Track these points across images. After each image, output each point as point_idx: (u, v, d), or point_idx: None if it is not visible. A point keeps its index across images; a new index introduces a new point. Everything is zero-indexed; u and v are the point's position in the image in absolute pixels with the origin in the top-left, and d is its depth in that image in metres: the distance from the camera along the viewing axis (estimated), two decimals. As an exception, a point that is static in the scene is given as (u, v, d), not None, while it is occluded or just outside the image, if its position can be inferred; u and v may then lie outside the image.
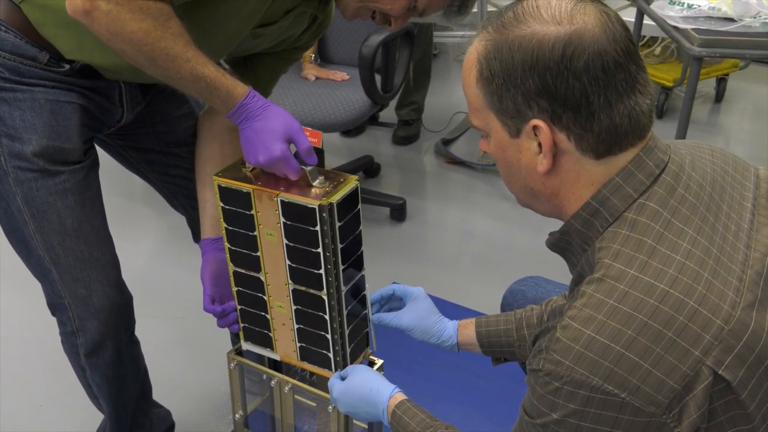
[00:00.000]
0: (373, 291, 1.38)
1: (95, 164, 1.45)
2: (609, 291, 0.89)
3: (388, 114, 3.55)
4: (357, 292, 1.37)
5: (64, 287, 1.41)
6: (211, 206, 1.51)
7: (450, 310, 2.47)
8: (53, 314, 1.49)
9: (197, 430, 1.99)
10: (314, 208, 1.22)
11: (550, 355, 0.90)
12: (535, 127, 0.94)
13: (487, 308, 2.42)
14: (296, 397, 1.49)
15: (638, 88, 0.94)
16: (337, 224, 1.24)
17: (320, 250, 1.26)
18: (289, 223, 1.27)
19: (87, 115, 1.40)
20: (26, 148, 1.33)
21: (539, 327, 1.35)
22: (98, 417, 1.73)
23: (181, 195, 1.67)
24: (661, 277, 0.89)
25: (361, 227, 1.33)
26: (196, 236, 1.73)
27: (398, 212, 2.91)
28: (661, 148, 0.98)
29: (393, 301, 1.48)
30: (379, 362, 1.47)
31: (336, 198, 1.23)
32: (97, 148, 1.51)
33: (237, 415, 1.59)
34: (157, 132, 1.59)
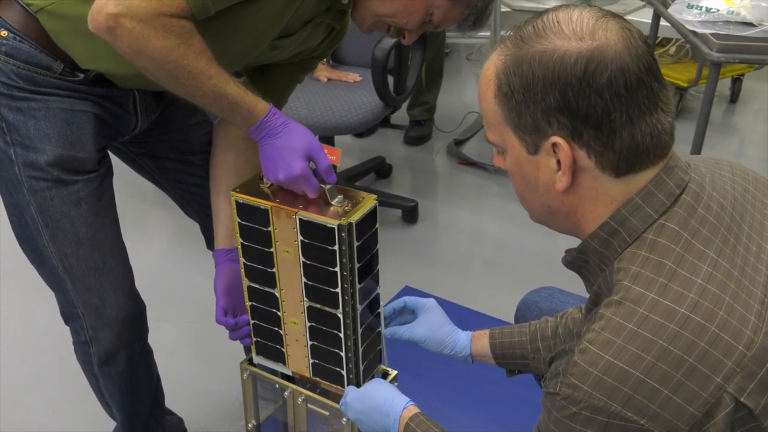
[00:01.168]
0: (384, 295, 1.37)
1: (109, 173, 1.45)
2: (628, 315, 0.88)
3: (400, 114, 3.52)
4: (372, 309, 1.36)
5: (78, 297, 1.41)
6: (225, 216, 1.50)
7: (461, 314, 2.47)
8: (66, 323, 1.49)
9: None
10: (333, 228, 1.21)
11: (567, 379, 0.89)
12: (554, 144, 0.93)
13: (498, 312, 2.43)
14: (309, 405, 1.48)
15: (660, 105, 0.92)
16: (356, 244, 1.24)
17: (337, 269, 1.25)
18: (306, 241, 1.26)
19: (101, 124, 1.39)
20: (40, 157, 1.32)
21: (553, 340, 1.34)
22: (110, 422, 1.73)
23: (195, 203, 1.67)
24: (681, 301, 0.88)
25: (378, 246, 1.32)
26: (210, 244, 1.73)
27: (410, 214, 2.90)
28: (681, 168, 0.96)
29: (405, 314, 1.48)
30: (393, 373, 1.47)
31: (355, 218, 1.22)
32: (111, 155, 1.50)
33: (250, 425, 1.59)
34: (171, 140, 1.58)
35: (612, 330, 0.88)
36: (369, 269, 1.31)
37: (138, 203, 3.00)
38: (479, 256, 2.80)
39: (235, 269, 1.45)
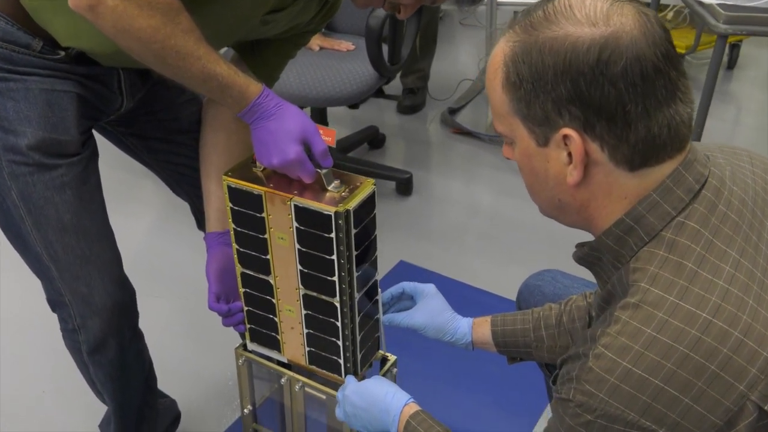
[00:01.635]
0: (378, 271, 1.32)
1: (94, 155, 1.38)
2: (646, 319, 0.84)
3: (393, 83, 3.45)
4: (370, 296, 1.32)
5: (64, 285, 1.35)
6: (216, 199, 1.45)
7: (456, 289, 2.44)
8: (53, 310, 1.44)
9: (203, 417, 1.96)
10: (330, 215, 1.16)
11: (581, 386, 0.85)
12: (565, 137, 0.88)
13: (493, 286, 2.40)
14: (307, 390, 1.45)
15: (679, 95, 0.87)
16: (353, 231, 1.19)
17: (334, 257, 1.20)
18: (302, 228, 1.21)
19: (84, 105, 1.33)
20: (21, 141, 1.26)
21: (557, 329, 1.30)
22: (100, 403, 1.69)
23: (184, 183, 1.61)
24: (703, 305, 0.84)
25: (376, 232, 1.27)
26: (201, 225, 1.68)
27: (405, 186, 2.85)
28: (700, 161, 0.91)
29: (403, 300, 1.43)
30: (392, 358, 1.43)
31: (353, 204, 1.17)
32: (96, 135, 1.44)
33: (246, 410, 1.56)
34: (159, 119, 1.52)
35: (629, 335, 0.84)
36: (367, 255, 1.26)
37: (124, 175, 2.92)
38: (474, 228, 2.76)
39: (228, 253, 1.41)
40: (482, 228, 2.75)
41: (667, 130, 0.87)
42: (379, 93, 2.67)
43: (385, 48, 2.52)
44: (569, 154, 0.89)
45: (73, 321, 1.39)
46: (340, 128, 3.22)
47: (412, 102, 3.46)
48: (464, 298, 2.38)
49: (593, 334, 0.88)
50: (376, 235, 1.27)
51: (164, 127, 1.52)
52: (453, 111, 3.42)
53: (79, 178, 1.31)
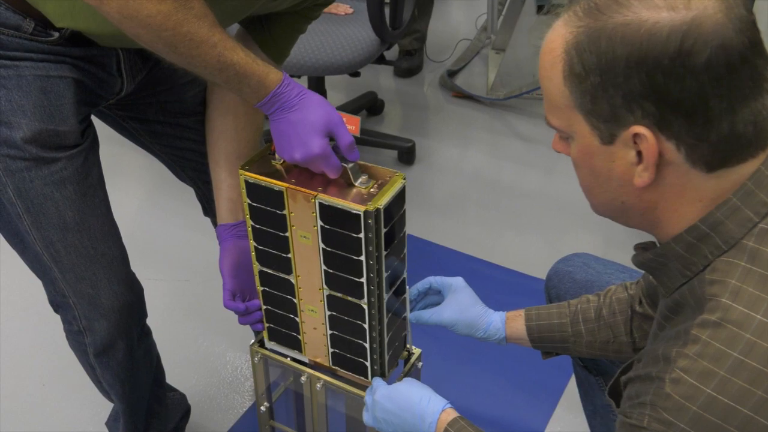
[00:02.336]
0: None
1: (95, 145, 1.27)
2: (731, 340, 0.76)
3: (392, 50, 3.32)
4: (398, 295, 1.24)
5: (68, 286, 1.26)
6: (227, 188, 1.35)
7: (462, 261, 2.37)
8: (56, 312, 1.35)
9: (213, 408, 1.88)
10: (359, 214, 1.07)
11: (658, 414, 0.78)
12: (636, 135, 0.79)
13: (499, 258, 2.33)
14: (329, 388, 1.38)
15: (765, 87, 0.78)
16: (383, 230, 1.10)
17: (363, 257, 1.11)
18: (327, 227, 1.12)
19: (82, 90, 1.21)
20: (15, 133, 1.15)
21: (597, 323, 1.22)
22: (102, 397, 1.61)
23: (189, 168, 1.51)
24: None
25: (405, 228, 1.19)
26: (207, 211, 1.59)
27: (407, 155, 2.75)
28: None
29: (430, 295, 1.35)
30: (417, 351, 1.36)
31: (383, 202, 1.08)
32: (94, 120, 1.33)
33: (262, 408, 1.48)
34: (161, 101, 1.41)
35: (712, 358, 0.76)
36: (397, 253, 1.18)
37: (112, 145, 2.79)
38: (477, 198, 2.68)
39: (242, 246, 1.32)
40: (486, 196, 2.67)
41: (752, 127, 0.78)
42: (380, 58, 2.56)
43: (386, 11, 2.40)
44: (638, 153, 0.80)
45: (78, 323, 1.30)
46: (337, 94, 3.11)
47: (410, 64, 3.34)
48: (471, 270, 2.32)
49: (666, 353, 0.81)
50: (405, 232, 1.19)
51: (167, 110, 1.41)
52: (452, 73, 3.31)
53: (80, 172, 1.20)
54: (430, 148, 2.88)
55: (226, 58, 1.04)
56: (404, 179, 1.14)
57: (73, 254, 1.22)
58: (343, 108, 2.87)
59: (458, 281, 1.31)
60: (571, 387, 1.85)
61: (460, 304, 1.29)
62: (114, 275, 1.26)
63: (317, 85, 2.64)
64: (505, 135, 3.00)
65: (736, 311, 0.77)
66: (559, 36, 0.82)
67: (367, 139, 2.71)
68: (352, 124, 1.11)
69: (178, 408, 1.68)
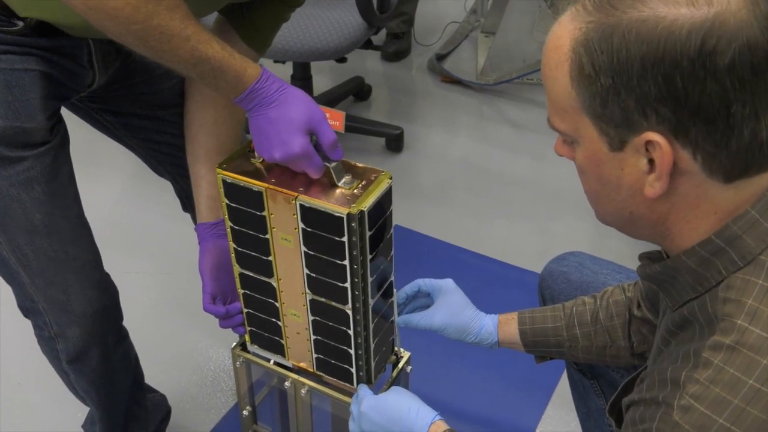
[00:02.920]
0: None
1: (65, 142, 1.21)
2: (747, 366, 0.71)
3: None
4: (385, 298, 1.18)
5: (37, 291, 1.20)
6: (206, 184, 1.29)
7: (451, 252, 2.32)
8: (26, 317, 1.29)
9: (195, 407, 1.82)
10: (342, 217, 1.01)
11: None
12: (649, 142, 0.73)
13: (489, 249, 2.27)
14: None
15: None
16: (368, 233, 1.04)
17: (347, 262, 1.06)
18: (309, 230, 1.06)
19: (50, 84, 1.15)
20: None
21: (594, 326, 1.17)
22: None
23: (167, 163, 1.44)
24: None
25: (392, 231, 1.13)
26: (186, 206, 1.52)
27: (395, 142, 2.68)
28: None
29: (420, 298, 1.30)
30: (405, 355, 1.30)
31: (367, 203, 1.02)
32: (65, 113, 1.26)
33: (245, 412, 1.43)
34: (136, 93, 1.34)
35: (726, 385, 0.71)
36: (383, 256, 1.12)
37: (89, 132, 2.72)
38: (467, 186, 2.62)
39: (222, 247, 1.26)
40: (475, 183, 2.61)
41: None
42: (367, 43, 2.48)
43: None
44: (650, 161, 0.74)
45: (49, 329, 1.24)
46: (323, 79, 3.03)
47: (397, 48, 3.26)
48: (461, 262, 2.27)
49: (675, 376, 0.75)
50: (392, 234, 1.13)
51: (143, 102, 1.34)
52: (440, 57, 3.23)
53: (48, 171, 1.14)
54: (418, 134, 2.82)
55: (200, 51, 0.97)
56: (390, 179, 1.08)
57: (42, 258, 1.16)
58: (329, 94, 2.80)
59: (448, 283, 1.26)
60: (563, 384, 1.81)
61: (450, 308, 1.24)
62: (86, 279, 1.20)
63: (303, 71, 2.57)
64: (495, 121, 2.94)
65: (753, 335, 0.72)
66: (566, 32, 0.76)
67: (354, 126, 2.64)
68: (336, 120, 1.04)
69: (159, 410, 1.63)
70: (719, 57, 0.68)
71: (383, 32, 3.27)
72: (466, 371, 1.91)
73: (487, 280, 2.20)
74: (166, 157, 1.42)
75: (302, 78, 2.56)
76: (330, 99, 2.77)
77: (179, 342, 2.00)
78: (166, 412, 1.65)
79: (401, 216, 2.40)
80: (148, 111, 1.35)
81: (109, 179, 2.60)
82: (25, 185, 1.12)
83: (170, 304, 2.11)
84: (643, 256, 0.88)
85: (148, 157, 1.44)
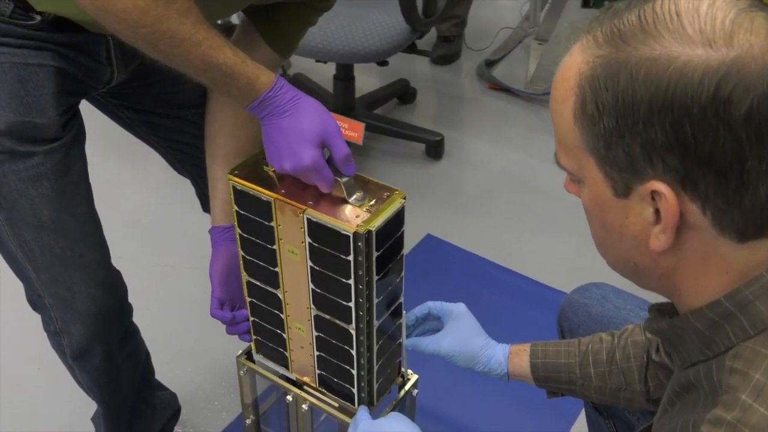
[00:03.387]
0: (405, 247, 1.09)
1: (78, 139, 1.19)
2: None
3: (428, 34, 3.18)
4: (393, 320, 1.14)
5: (43, 287, 1.19)
6: (223, 186, 1.26)
7: (484, 267, 2.26)
8: (34, 310, 1.28)
9: (207, 407, 1.81)
10: (348, 236, 0.97)
11: None
12: (654, 192, 0.67)
13: (525, 267, 2.21)
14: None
15: None
16: (375, 254, 1.00)
17: (351, 281, 1.02)
18: (315, 245, 1.02)
19: (65, 80, 1.13)
20: None
21: (609, 367, 1.11)
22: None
23: (187, 163, 1.42)
24: None
25: (403, 251, 1.08)
26: (206, 207, 1.50)
27: (435, 149, 2.63)
28: None
29: (430, 321, 1.25)
30: (413, 378, 1.26)
31: (376, 223, 0.98)
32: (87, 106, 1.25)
33: (248, 421, 1.41)
34: (157, 92, 1.32)
35: None
36: (392, 278, 1.08)
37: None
38: (507, 198, 2.55)
39: (235, 251, 1.22)
40: (517, 198, 2.54)
41: None
42: (411, 47, 2.43)
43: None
44: (657, 211, 0.68)
45: (54, 324, 1.23)
46: (368, 80, 2.99)
47: (447, 51, 3.21)
48: (493, 278, 2.21)
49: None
50: (403, 255, 1.09)
51: (164, 101, 1.32)
52: (490, 63, 3.17)
53: (58, 168, 1.12)
54: (460, 141, 2.76)
55: (211, 57, 0.94)
56: (404, 198, 1.04)
57: (48, 255, 1.14)
58: (372, 95, 2.76)
59: (460, 308, 1.21)
60: (584, 417, 1.74)
61: (460, 334, 1.19)
62: (91, 278, 1.19)
63: (345, 71, 2.53)
64: (542, 132, 2.86)
65: (757, 414, 0.65)
66: (574, 64, 0.70)
67: (394, 130, 2.60)
68: (355, 131, 1.01)
69: (167, 409, 1.61)
70: (735, 106, 0.62)
71: (433, 35, 3.21)
72: (479, 396, 1.83)
73: (517, 297, 2.13)
74: (187, 156, 1.40)
75: (344, 78, 2.53)
76: (373, 101, 2.74)
77: (198, 339, 1.98)
78: (174, 411, 1.64)
79: (434, 225, 2.36)
80: (168, 110, 1.33)
81: (146, 172, 2.59)
82: (34, 181, 1.10)
83: (193, 299, 2.08)
84: (653, 309, 0.82)
85: (169, 155, 1.42)
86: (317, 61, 2.35)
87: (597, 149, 0.69)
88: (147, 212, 2.39)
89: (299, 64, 2.96)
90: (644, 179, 0.67)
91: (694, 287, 0.72)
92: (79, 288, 1.18)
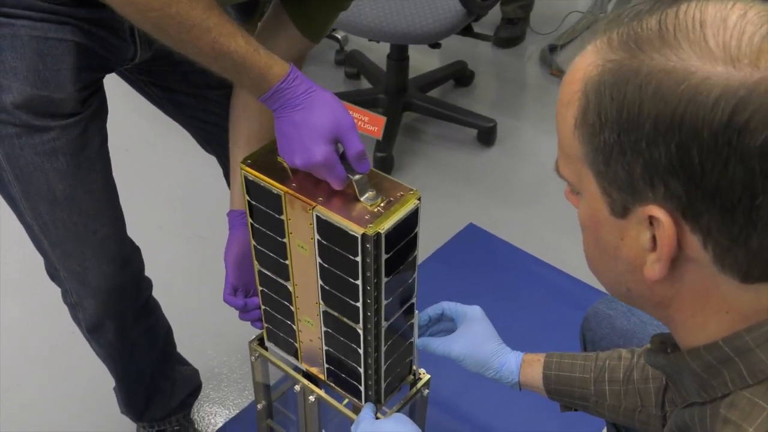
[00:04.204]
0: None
1: (99, 114, 1.17)
2: None
3: (488, 15, 3.08)
4: (403, 321, 1.11)
5: (57, 260, 1.19)
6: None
7: (525, 261, 2.20)
8: (52, 280, 1.29)
9: (230, 385, 1.81)
10: (356, 237, 0.94)
11: None
12: (652, 217, 0.61)
13: (566, 263, 2.13)
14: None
15: None
16: (384, 256, 0.97)
17: (359, 282, 0.99)
18: (324, 242, 1.00)
19: (85, 56, 1.11)
20: (5, 97, 1.06)
21: (625, 386, 1.06)
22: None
23: (214, 143, 1.41)
24: None
25: (416, 253, 1.05)
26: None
27: (487, 135, 2.57)
28: None
29: (444, 321, 1.21)
30: (425, 377, 1.23)
31: (386, 226, 0.94)
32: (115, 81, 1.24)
33: (259, 406, 1.40)
34: (183, 72, 1.29)
35: None
36: (403, 277, 1.04)
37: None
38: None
39: None
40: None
41: None
42: (467, 30, 2.36)
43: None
44: (654, 238, 0.62)
45: (70, 297, 1.24)
46: (425, 60, 2.93)
47: (510, 34, 3.11)
48: (533, 274, 2.15)
49: None
50: (416, 256, 1.05)
51: (190, 81, 1.30)
52: (553, 48, 3.07)
53: (75, 143, 1.11)
54: (515, 129, 2.69)
55: (221, 45, 0.92)
56: (419, 199, 0.99)
57: (62, 229, 1.15)
58: (427, 77, 2.70)
59: (475, 311, 1.17)
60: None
61: (472, 338, 1.15)
62: (104, 255, 1.18)
63: (399, 51, 2.48)
64: (601, 124, 2.76)
65: None
66: (583, 66, 0.64)
67: (443, 113, 2.54)
68: (375, 125, 0.96)
69: (188, 384, 1.61)
70: (751, 135, 0.55)
71: (498, 16, 3.13)
72: (497, 400, 1.76)
73: (556, 295, 2.07)
74: (213, 137, 1.39)
75: (398, 59, 2.48)
76: (427, 82, 2.68)
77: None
78: (194, 387, 1.64)
79: (478, 214, 2.31)
80: (195, 89, 1.31)
81: (180, 149, 2.59)
82: (50, 155, 1.10)
83: (204, 269, 2.07)
84: (656, 339, 0.76)
85: (196, 134, 1.41)
86: (370, 40, 2.30)
87: (596, 163, 0.63)
88: (192, 184, 2.39)
89: (356, 40, 2.92)
90: (643, 202, 0.61)
91: (691, 323, 0.67)
92: (91, 264, 1.18)
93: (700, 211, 0.59)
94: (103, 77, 1.18)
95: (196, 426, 1.71)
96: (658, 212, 0.60)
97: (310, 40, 1.20)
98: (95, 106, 1.15)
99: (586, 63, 0.64)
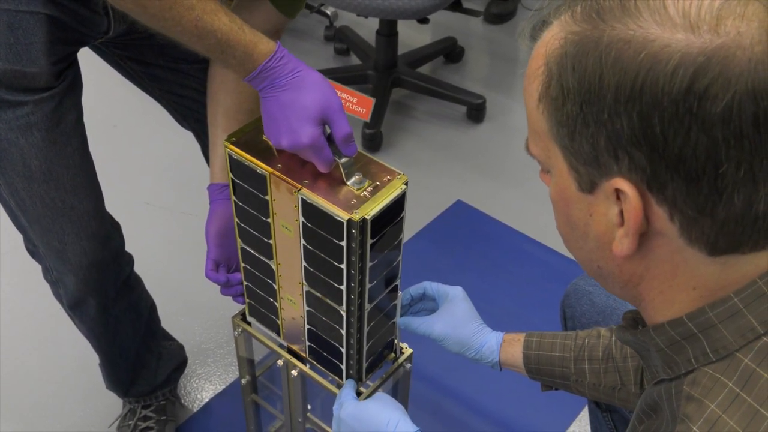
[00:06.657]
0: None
1: (72, 89, 1.16)
2: None
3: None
4: (386, 302, 1.11)
5: (36, 237, 1.19)
6: (222, 146, 1.24)
7: (514, 238, 2.20)
8: (32, 258, 1.29)
9: (216, 361, 1.82)
10: (342, 222, 0.94)
11: None
12: (618, 190, 0.61)
13: (557, 240, 2.11)
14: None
15: None
16: (369, 241, 0.97)
17: (344, 266, 0.99)
18: (309, 225, 1.00)
19: (58, 28, 1.10)
20: None
21: (605, 364, 1.08)
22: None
23: (191, 118, 1.40)
24: None
25: (402, 236, 1.05)
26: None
27: (476, 112, 2.56)
28: None
29: (425, 301, 1.22)
30: (407, 352, 1.23)
31: (372, 211, 0.95)
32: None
33: (243, 381, 1.41)
34: (159, 45, 1.27)
35: None
36: (386, 263, 1.05)
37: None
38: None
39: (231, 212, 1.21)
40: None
41: None
42: (456, 5, 2.34)
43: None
44: (621, 213, 0.63)
45: (50, 274, 1.24)
46: (415, 36, 2.91)
47: (501, 10, 3.09)
48: (523, 252, 2.15)
49: None
50: (401, 241, 1.05)
51: (166, 54, 1.28)
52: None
53: (50, 118, 1.10)
54: (505, 106, 2.68)
55: (205, 23, 0.91)
56: (406, 184, 0.99)
57: (39, 205, 1.14)
58: (416, 53, 2.69)
59: (456, 291, 1.17)
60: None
61: (453, 318, 1.16)
62: (83, 231, 1.18)
63: (388, 27, 2.46)
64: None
65: None
66: (548, 40, 0.64)
67: (432, 89, 2.53)
68: (363, 107, 0.96)
69: (173, 359, 1.62)
70: (711, 102, 0.55)
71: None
72: (483, 377, 1.76)
73: (543, 272, 2.08)
74: (190, 111, 1.38)
75: (387, 34, 2.46)
76: (416, 58, 2.66)
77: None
78: (180, 362, 1.65)
79: (466, 191, 2.31)
80: (171, 63, 1.30)
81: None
82: (24, 130, 1.09)
83: (189, 243, 2.06)
84: (627, 315, 0.77)
85: (172, 109, 1.40)
86: (358, 15, 2.28)
87: (561, 137, 0.63)
88: (180, 160, 2.37)
89: (345, 16, 2.90)
90: (608, 175, 0.61)
91: (658, 300, 0.67)
92: (70, 240, 1.17)
93: (664, 182, 0.59)
94: (77, 51, 1.17)
95: (182, 401, 1.72)
96: (623, 185, 0.60)
97: (286, 15, 1.19)
98: (69, 80, 1.14)
99: (551, 36, 0.64)
